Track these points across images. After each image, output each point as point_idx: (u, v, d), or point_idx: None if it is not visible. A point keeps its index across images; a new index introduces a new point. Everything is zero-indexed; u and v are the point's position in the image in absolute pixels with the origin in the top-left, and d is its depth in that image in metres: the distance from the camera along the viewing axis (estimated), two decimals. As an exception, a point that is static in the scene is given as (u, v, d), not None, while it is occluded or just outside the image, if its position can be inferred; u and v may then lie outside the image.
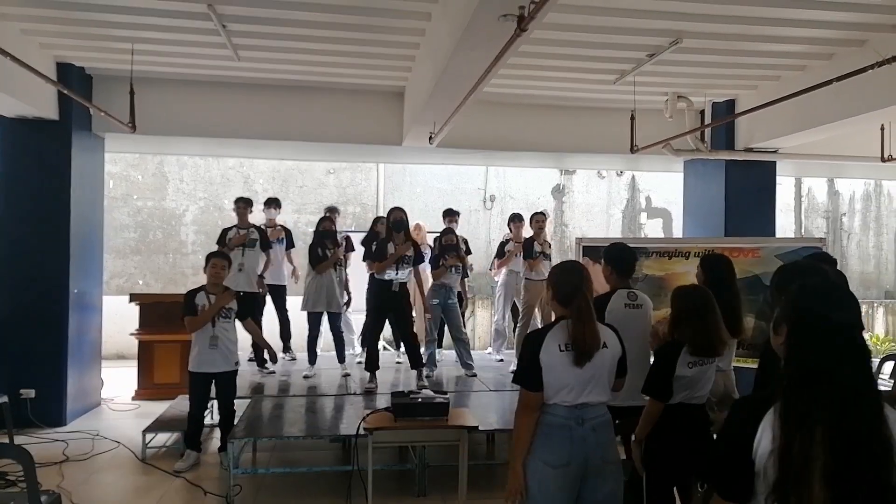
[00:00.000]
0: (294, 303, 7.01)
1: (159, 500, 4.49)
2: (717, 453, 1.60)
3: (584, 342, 2.58)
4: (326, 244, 6.61)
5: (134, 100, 5.54)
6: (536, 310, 6.99)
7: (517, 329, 7.06)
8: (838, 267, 3.31)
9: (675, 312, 3.09)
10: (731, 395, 3.71)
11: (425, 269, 6.48)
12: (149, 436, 5.40)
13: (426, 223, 7.86)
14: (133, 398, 7.05)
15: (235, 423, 4.97)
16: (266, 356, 5.58)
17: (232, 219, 7.09)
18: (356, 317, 7.48)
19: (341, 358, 6.63)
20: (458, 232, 7.15)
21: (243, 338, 5.31)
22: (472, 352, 6.86)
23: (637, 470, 3.14)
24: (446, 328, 6.91)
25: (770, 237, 7.03)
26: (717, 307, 3.05)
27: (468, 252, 7.38)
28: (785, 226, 10.91)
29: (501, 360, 7.42)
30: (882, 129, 6.72)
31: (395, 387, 5.93)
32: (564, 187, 10.85)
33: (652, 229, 11.05)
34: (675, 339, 3.05)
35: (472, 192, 10.58)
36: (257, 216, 7.18)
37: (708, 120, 7.19)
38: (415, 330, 6.19)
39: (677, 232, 10.14)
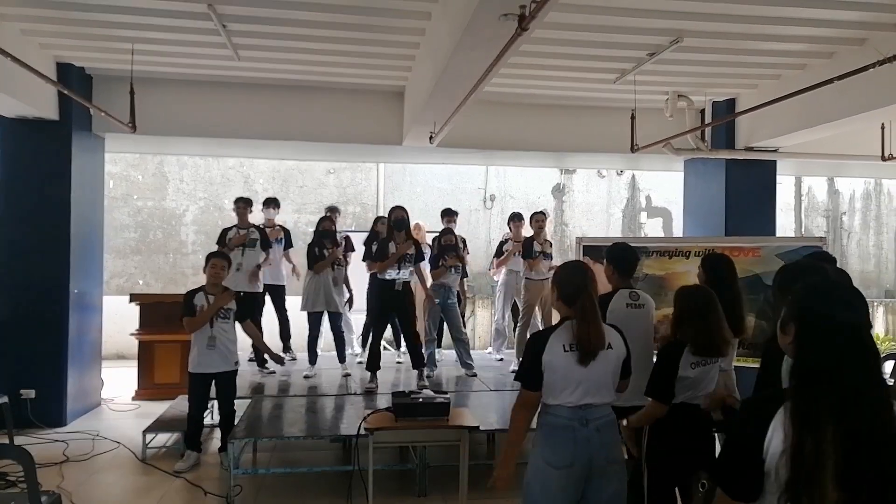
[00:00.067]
0: (294, 303, 7.00)
1: (159, 500, 4.49)
2: (725, 452, 1.60)
3: (589, 342, 2.57)
4: (325, 244, 6.60)
5: (134, 100, 5.54)
6: (537, 309, 6.99)
7: (517, 329, 7.05)
8: (838, 266, 3.31)
9: (678, 312, 3.09)
10: (732, 396, 3.70)
11: (425, 267, 6.48)
12: (149, 436, 5.40)
13: (426, 223, 7.86)
14: (133, 398, 7.04)
15: (236, 423, 4.97)
16: (267, 357, 5.56)
17: (232, 219, 7.08)
18: (356, 317, 7.48)
19: (342, 358, 6.63)
20: (457, 231, 7.15)
21: (244, 338, 5.30)
22: (472, 352, 6.86)
23: (630, 451, 3.13)
24: (446, 328, 6.91)
25: (770, 236, 7.03)
26: (719, 307, 3.05)
27: (465, 251, 7.38)
28: (785, 225, 10.91)
29: (501, 359, 7.42)
30: (882, 127, 6.72)
31: (396, 387, 5.93)
32: (564, 187, 10.84)
33: (652, 228, 11.05)
34: (678, 340, 3.05)
35: (472, 192, 10.57)
36: (256, 216, 7.17)
37: (708, 119, 7.19)
38: (417, 329, 6.19)
39: (677, 231, 10.14)
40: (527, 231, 7.19)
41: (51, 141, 6.19)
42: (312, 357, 6.53)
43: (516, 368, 6.39)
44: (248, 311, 5.39)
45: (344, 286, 6.80)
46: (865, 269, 11.53)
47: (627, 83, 6.23)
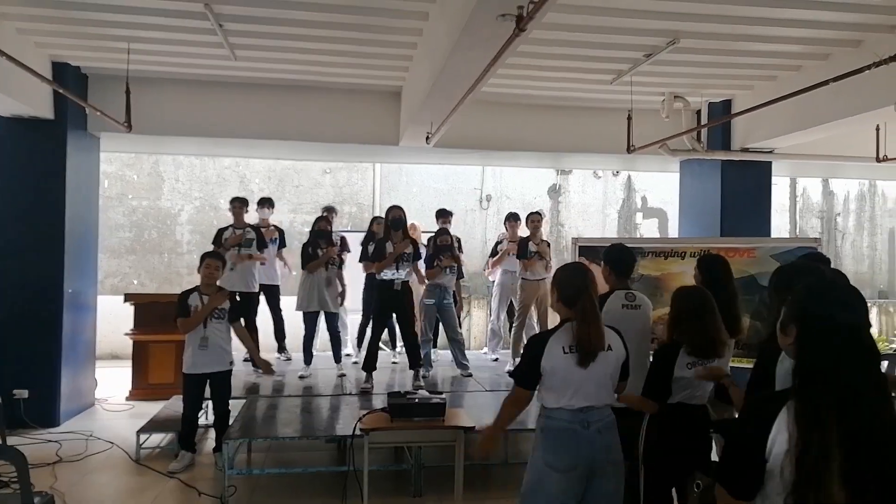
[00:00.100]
0: (289, 303, 6.99)
1: (153, 501, 4.47)
2: (727, 451, 1.61)
3: (590, 342, 2.58)
4: (320, 244, 6.58)
5: (130, 99, 5.51)
6: (532, 309, 6.99)
7: (513, 329, 7.05)
8: (832, 267, 3.32)
9: (675, 313, 3.09)
10: (729, 377, 3.70)
11: (420, 266, 6.46)
12: (143, 436, 5.37)
13: (422, 223, 7.84)
14: (127, 398, 7.01)
15: (230, 423, 4.95)
16: (254, 363, 5.50)
17: (227, 218, 7.06)
18: (351, 317, 7.47)
19: (337, 358, 6.61)
20: (453, 232, 7.14)
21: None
22: (467, 352, 6.85)
23: (632, 405, 3.12)
24: (441, 328, 6.90)
25: (765, 237, 7.05)
26: (716, 308, 3.05)
27: (460, 252, 7.36)
28: (780, 226, 10.94)
29: (497, 359, 7.41)
30: (877, 129, 6.74)
31: (391, 387, 5.92)
32: (560, 187, 10.85)
33: (647, 229, 11.06)
34: (674, 340, 3.05)
35: (468, 192, 10.57)
36: (251, 216, 7.15)
37: (704, 120, 7.21)
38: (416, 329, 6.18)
39: (673, 232, 10.15)
40: (523, 231, 7.19)
41: (46, 140, 6.16)
42: (307, 357, 6.52)
43: (511, 369, 6.41)
44: (244, 311, 5.37)
45: (337, 281, 6.73)
46: (859, 271, 11.57)
47: (624, 84, 6.24)
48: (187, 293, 5.02)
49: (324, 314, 6.55)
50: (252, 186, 9.90)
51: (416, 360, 6.02)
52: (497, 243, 7.63)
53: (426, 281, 6.39)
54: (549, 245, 7.14)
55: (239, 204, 6.81)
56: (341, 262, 6.82)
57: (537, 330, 6.83)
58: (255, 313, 6.85)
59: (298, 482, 4.77)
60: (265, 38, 5.34)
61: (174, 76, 6.58)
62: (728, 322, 3.28)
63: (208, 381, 5.00)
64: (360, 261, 7.04)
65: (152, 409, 6.04)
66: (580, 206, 10.92)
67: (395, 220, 5.95)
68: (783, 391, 1.54)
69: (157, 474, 4.90)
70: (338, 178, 10.30)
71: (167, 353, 6.90)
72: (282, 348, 7.30)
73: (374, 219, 7.35)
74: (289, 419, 5.03)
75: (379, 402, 5.02)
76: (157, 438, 5.61)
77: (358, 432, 3.97)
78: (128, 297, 7.33)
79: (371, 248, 6.54)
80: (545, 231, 8.36)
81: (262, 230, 7.04)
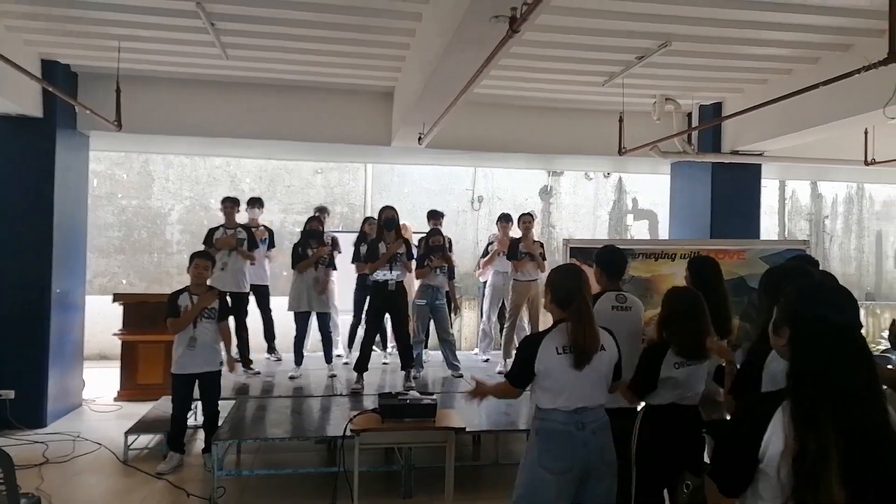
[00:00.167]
0: (280, 303, 6.96)
1: (141, 502, 4.44)
2: (721, 451, 1.63)
3: (585, 343, 2.58)
4: (311, 244, 6.56)
5: (120, 98, 5.48)
6: (524, 310, 6.99)
7: (504, 330, 7.05)
8: (820, 269, 3.34)
9: (666, 313, 3.10)
10: (716, 398, 3.72)
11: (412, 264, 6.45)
12: (131, 437, 5.34)
13: (413, 223, 7.84)
14: (115, 399, 6.96)
15: (220, 424, 4.93)
16: (234, 357, 5.49)
17: (218, 218, 7.03)
18: (342, 318, 7.44)
19: (328, 358, 6.59)
20: (444, 233, 7.12)
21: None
22: (458, 353, 6.85)
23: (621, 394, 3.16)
24: (433, 329, 6.89)
25: (755, 239, 7.09)
26: (706, 310, 3.06)
27: (451, 252, 7.36)
28: (769, 228, 11.01)
29: (487, 360, 7.41)
30: (865, 132, 6.81)
31: (382, 388, 5.90)
32: (552, 189, 10.88)
33: (638, 231, 11.11)
34: (663, 340, 3.06)
35: (460, 193, 10.57)
36: (241, 215, 7.12)
37: (695, 122, 7.25)
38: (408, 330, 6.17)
39: (663, 234, 10.20)
40: (514, 232, 7.20)
41: (35, 138, 6.11)
42: (298, 358, 6.49)
43: (503, 370, 6.41)
44: (235, 312, 5.34)
45: (325, 279, 6.68)
46: (847, 273, 11.65)
47: (616, 86, 6.26)
48: (178, 293, 4.99)
49: (315, 314, 6.53)
50: (243, 186, 9.86)
51: (409, 360, 6.00)
52: (488, 244, 7.63)
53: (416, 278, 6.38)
54: (542, 245, 7.15)
55: (230, 204, 6.77)
56: (331, 259, 6.78)
57: (528, 331, 6.84)
58: (245, 313, 6.82)
59: (288, 483, 4.75)
60: (257, 37, 5.32)
61: (165, 75, 6.54)
62: (718, 323, 3.30)
63: (197, 381, 4.98)
64: (353, 262, 7.02)
65: (141, 409, 6.00)
66: (571, 208, 10.95)
67: (387, 221, 5.94)
68: (777, 392, 1.55)
69: (146, 475, 4.86)
70: (329, 178, 10.28)
71: (156, 353, 6.85)
72: (271, 349, 7.27)
73: (366, 219, 7.33)
74: (279, 420, 5.01)
75: (370, 402, 5.01)
76: (145, 439, 5.57)
77: (348, 433, 3.95)
78: (116, 297, 7.29)
79: (363, 248, 6.53)
80: (536, 232, 8.37)
81: (252, 230, 7.01)
